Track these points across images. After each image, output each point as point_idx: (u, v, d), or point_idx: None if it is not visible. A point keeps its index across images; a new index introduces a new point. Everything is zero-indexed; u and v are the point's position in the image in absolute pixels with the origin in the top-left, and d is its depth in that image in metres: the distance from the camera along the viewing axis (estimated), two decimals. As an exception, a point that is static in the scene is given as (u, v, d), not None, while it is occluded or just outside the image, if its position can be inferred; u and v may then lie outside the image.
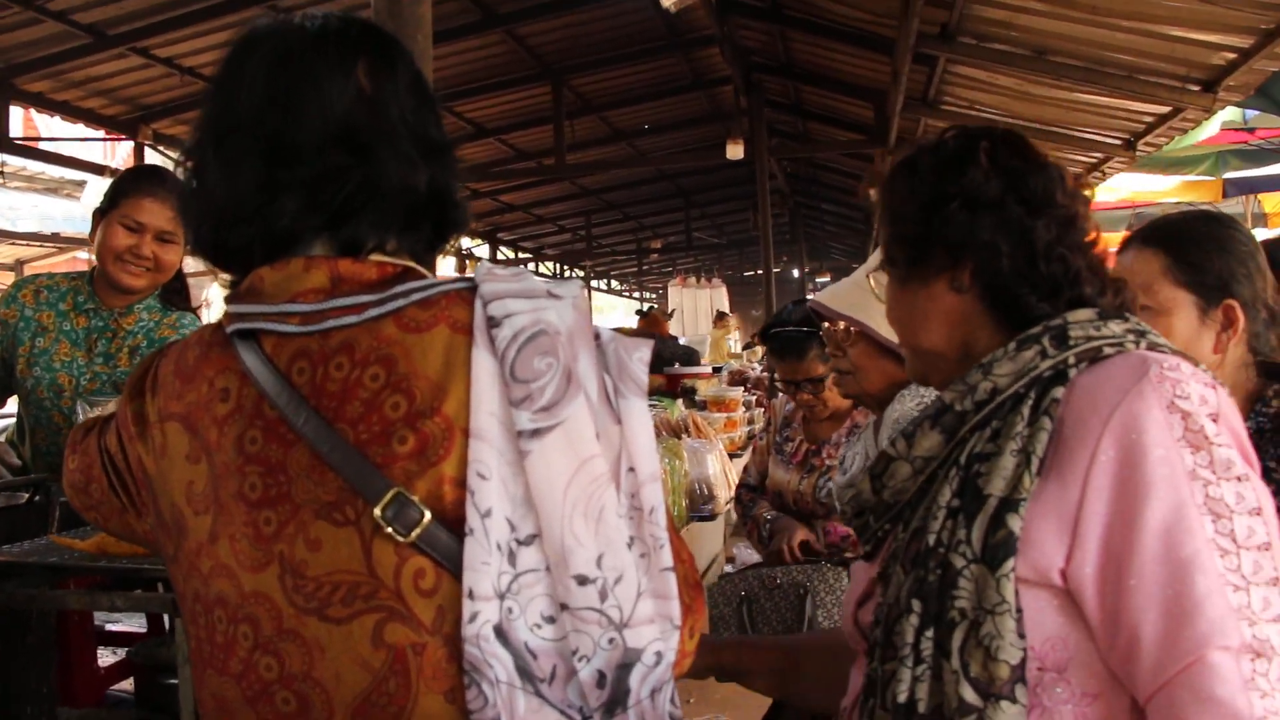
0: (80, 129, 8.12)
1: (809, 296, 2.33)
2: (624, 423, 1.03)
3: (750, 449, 3.99)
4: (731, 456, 5.05)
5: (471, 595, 0.96)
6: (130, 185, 2.74)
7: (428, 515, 0.98)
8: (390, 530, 0.97)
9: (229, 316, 1.10)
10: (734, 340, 15.32)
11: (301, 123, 1.08)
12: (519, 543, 0.99)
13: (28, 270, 12.79)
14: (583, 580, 0.98)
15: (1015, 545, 1.14)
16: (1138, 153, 7.29)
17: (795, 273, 19.93)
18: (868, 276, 2.22)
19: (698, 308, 19.30)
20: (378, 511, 0.97)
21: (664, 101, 11.36)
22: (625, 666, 0.98)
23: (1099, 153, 7.78)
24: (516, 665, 0.97)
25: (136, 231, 2.68)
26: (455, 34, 8.04)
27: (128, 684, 2.71)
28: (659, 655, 0.99)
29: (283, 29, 1.13)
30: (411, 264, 1.12)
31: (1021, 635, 1.13)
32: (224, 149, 1.10)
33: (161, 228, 2.70)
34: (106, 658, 2.84)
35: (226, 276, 1.15)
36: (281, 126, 1.08)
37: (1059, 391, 1.20)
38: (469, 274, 1.09)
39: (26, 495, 2.17)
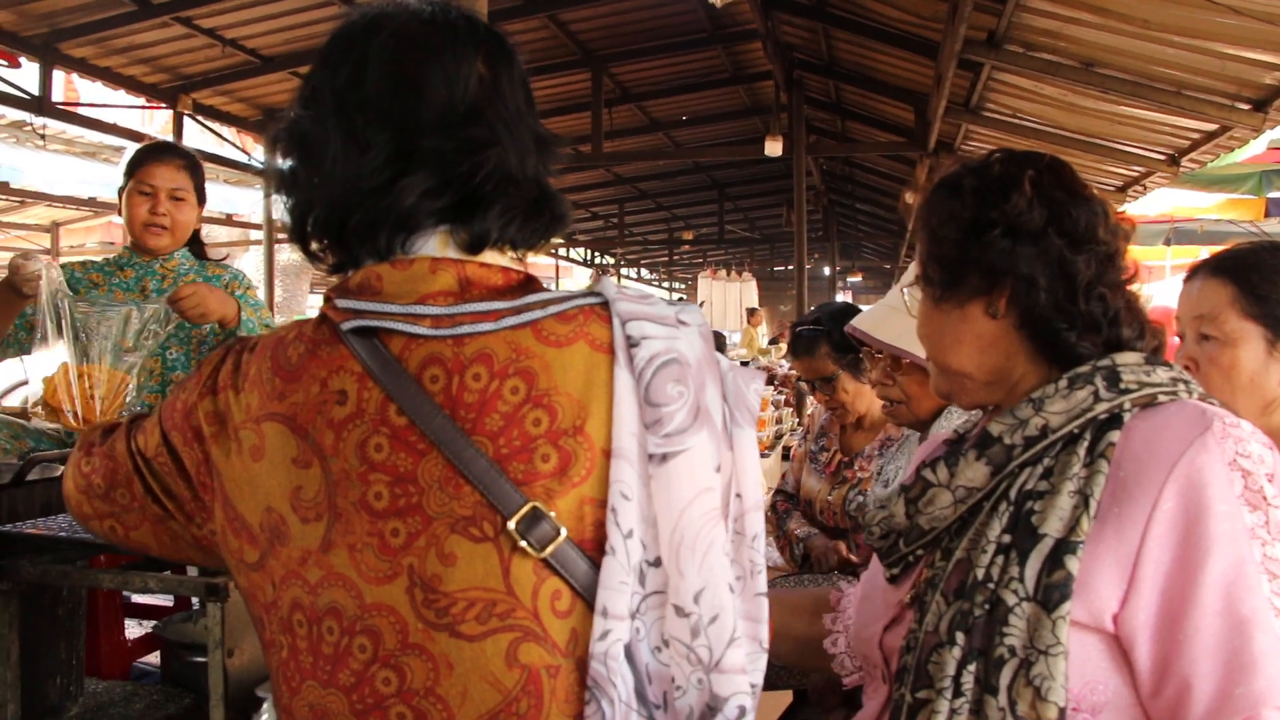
0: (119, 95, 8.15)
1: (851, 324, 2.29)
2: (735, 450, 1.04)
3: (779, 451, 3.98)
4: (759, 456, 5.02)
5: (605, 613, 0.96)
6: (141, 157, 3.05)
7: (563, 533, 0.97)
8: (524, 544, 0.95)
9: (341, 312, 1.05)
10: (763, 335, 15.31)
11: (431, 102, 1.06)
12: (649, 564, 0.99)
13: (63, 232, 12.91)
14: (679, 611, 0.98)
15: (1072, 587, 1.13)
16: (1181, 169, 7.20)
17: (826, 270, 19.84)
18: (902, 292, 2.20)
19: (727, 301, 19.27)
20: (512, 524, 0.96)
21: (703, 94, 11.33)
22: (711, 710, 0.98)
23: (1141, 167, 7.69)
24: (635, 687, 0.97)
25: (151, 195, 2.98)
26: (498, 18, 8.02)
27: (153, 657, 2.73)
28: (741, 710, 0.98)
29: (403, 13, 1.11)
30: (531, 272, 1.11)
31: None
32: (350, 127, 1.07)
33: (172, 187, 3.00)
34: (132, 629, 2.86)
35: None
36: (410, 104, 1.06)
37: (1115, 435, 1.20)
38: (596, 289, 1.08)
39: (61, 469, 2.17)
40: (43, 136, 8.49)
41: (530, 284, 1.08)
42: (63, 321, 2.68)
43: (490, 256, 1.10)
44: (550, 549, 0.96)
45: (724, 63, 10.31)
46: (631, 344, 1.01)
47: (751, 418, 1.06)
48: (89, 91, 8.69)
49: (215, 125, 9.40)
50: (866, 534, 1.48)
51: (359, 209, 1.06)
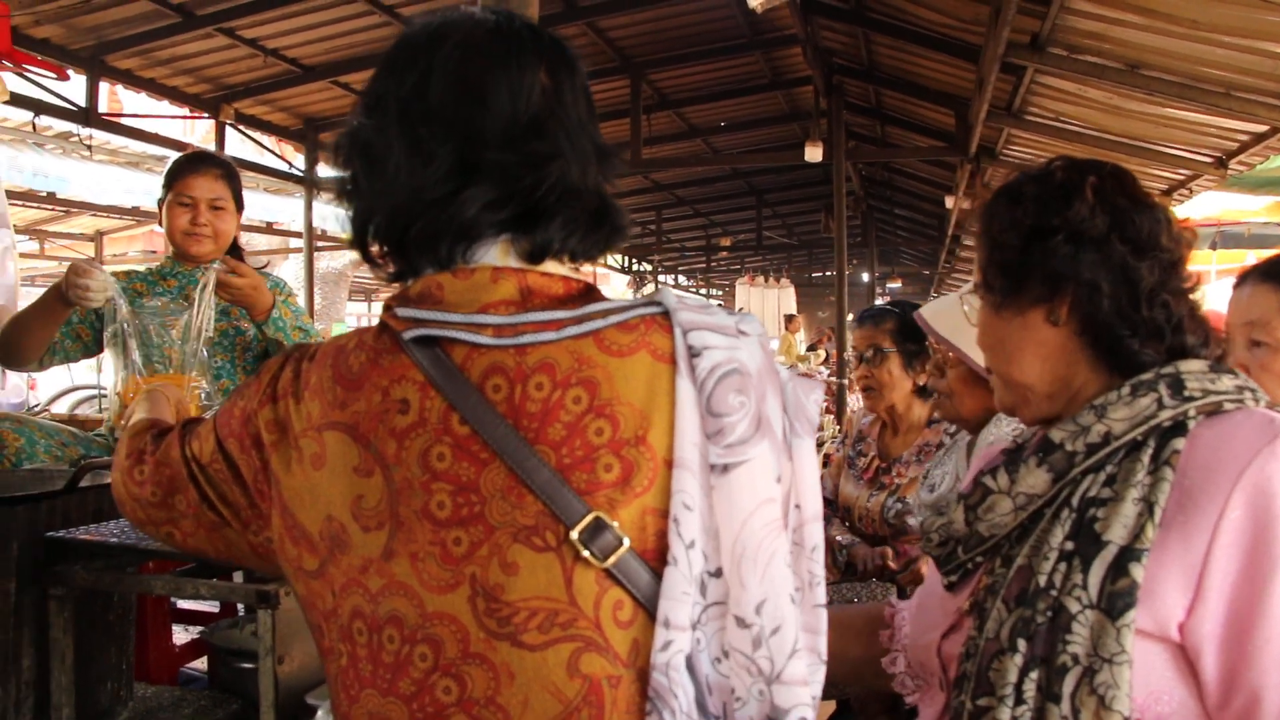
0: (163, 106, 8.25)
1: (920, 310, 2.30)
2: (794, 460, 1.04)
3: (820, 457, 3.98)
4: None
5: (667, 624, 0.95)
6: (178, 169, 3.10)
7: (626, 542, 0.97)
8: (586, 554, 0.95)
9: (403, 321, 1.05)
10: (800, 341, 15.26)
11: (494, 112, 1.06)
12: (710, 574, 0.99)
13: (107, 241, 13.10)
14: (740, 622, 0.97)
15: (1137, 595, 1.13)
16: (1229, 171, 7.09)
17: (865, 277, 19.75)
18: (961, 299, 2.18)
19: (764, 307, 19.25)
20: (575, 534, 0.95)
21: (741, 100, 11.31)
22: None
23: (1188, 170, 7.58)
24: (696, 697, 0.97)
25: (191, 206, 3.03)
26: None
27: (199, 663, 2.75)
28: None
29: (467, 23, 1.12)
30: (591, 281, 1.11)
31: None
32: (414, 137, 1.08)
33: (211, 197, 3.05)
34: (178, 634, 2.89)
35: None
36: (474, 115, 1.06)
37: (1179, 443, 1.19)
38: (656, 298, 1.07)
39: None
40: (89, 147, 8.61)
41: (591, 293, 1.09)
42: (127, 331, 2.72)
43: (551, 265, 1.10)
44: (613, 559, 0.96)
45: (763, 68, 10.29)
46: (693, 354, 1.01)
47: (811, 428, 1.05)
48: (131, 102, 8.81)
49: (256, 134, 9.48)
50: (924, 541, 1.48)
51: (420, 219, 1.07)
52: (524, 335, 1.02)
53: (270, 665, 1.68)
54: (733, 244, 20.28)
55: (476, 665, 0.97)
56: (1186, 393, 1.22)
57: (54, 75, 6.22)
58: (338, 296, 15.32)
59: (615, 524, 0.96)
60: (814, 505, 1.05)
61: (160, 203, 3.13)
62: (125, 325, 2.77)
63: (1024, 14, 5.51)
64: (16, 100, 5.95)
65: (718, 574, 0.99)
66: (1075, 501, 1.23)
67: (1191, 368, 1.25)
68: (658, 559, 0.98)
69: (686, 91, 10.82)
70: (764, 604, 0.97)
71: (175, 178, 3.08)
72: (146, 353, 2.98)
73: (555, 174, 1.07)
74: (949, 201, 11.78)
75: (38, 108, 6.83)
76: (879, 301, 18.84)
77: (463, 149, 1.06)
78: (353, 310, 22.55)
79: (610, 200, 1.14)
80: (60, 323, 2.90)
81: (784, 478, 1.03)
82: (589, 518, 0.96)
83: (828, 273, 22.56)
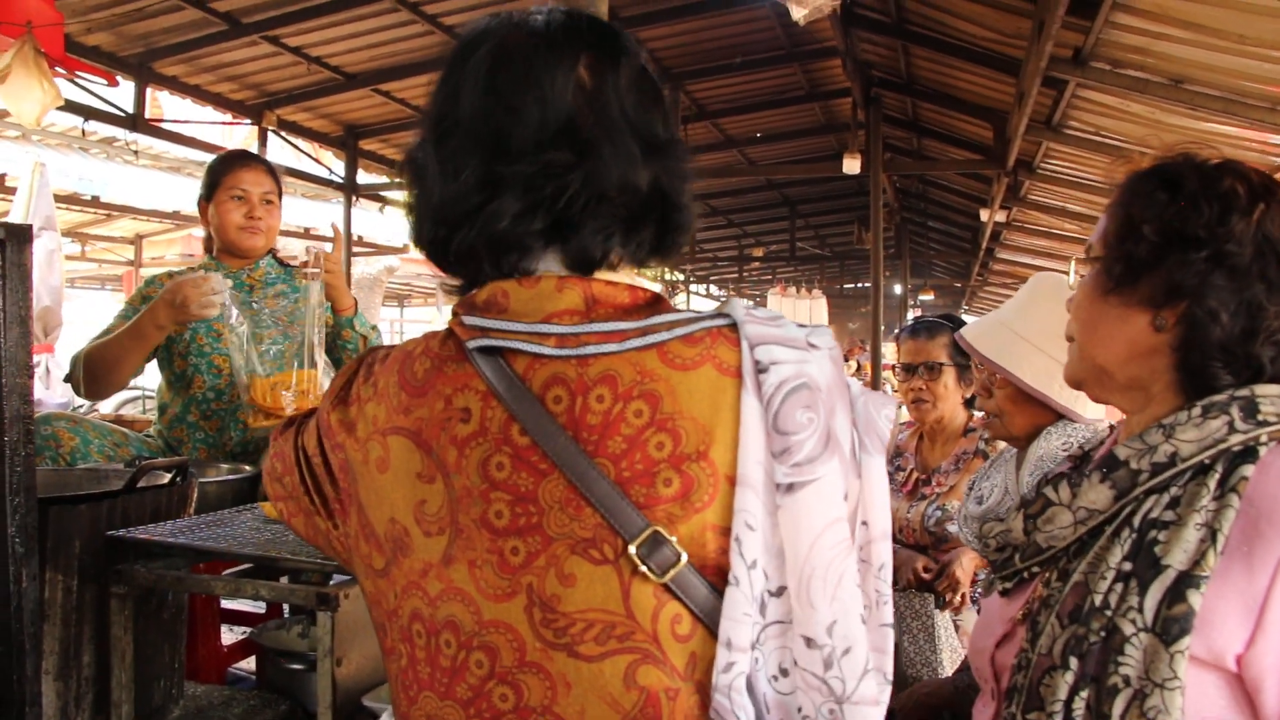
0: (205, 112, 8.33)
1: (961, 330, 2.30)
2: (863, 477, 1.02)
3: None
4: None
5: (729, 645, 0.95)
6: (226, 164, 3.14)
7: (684, 558, 0.96)
8: (645, 569, 0.95)
9: (469, 329, 1.06)
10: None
11: (522, 120, 1.05)
12: (770, 594, 0.98)
13: (146, 244, 13.24)
14: (810, 643, 0.96)
15: (1193, 622, 1.11)
16: (1272, 188, 7.01)
17: (898, 289, 19.66)
18: (1004, 323, 2.18)
19: (795, 318, 18.92)
20: (633, 548, 0.95)
21: (778, 111, 11.29)
22: None
23: (1230, 185, 7.50)
24: (755, 716, 0.97)
25: (244, 199, 3.06)
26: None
27: (246, 663, 2.78)
28: None
29: (503, 27, 1.11)
30: (659, 291, 1.10)
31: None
32: (444, 148, 1.09)
33: (263, 191, 3.09)
34: (224, 634, 2.91)
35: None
36: (502, 124, 1.06)
37: (1248, 469, 1.16)
38: (725, 310, 1.06)
39: (169, 476, 2.22)
40: (135, 152, 8.71)
41: (658, 303, 1.07)
42: (244, 334, 2.75)
43: (621, 274, 1.10)
44: (671, 574, 0.95)
45: (800, 80, 10.28)
46: (760, 369, 0.99)
47: (882, 445, 1.04)
48: (171, 108, 8.89)
49: (297, 140, 9.56)
50: (982, 546, 1.47)
51: (457, 233, 1.08)
52: (587, 346, 1.02)
53: (329, 667, 1.69)
54: (765, 254, 20.22)
55: (533, 674, 0.98)
56: (1260, 417, 1.19)
57: (104, 81, 6.31)
58: (372, 301, 15.40)
59: (674, 539, 0.96)
60: (882, 523, 1.03)
61: (205, 200, 3.12)
62: (241, 328, 2.79)
63: (1067, 28, 5.47)
64: (68, 106, 6.03)
65: (778, 593, 0.98)
66: (1137, 522, 1.21)
67: (1268, 391, 1.21)
68: (717, 574, 0.97)
69: (723, 102, 10.81)
70: (834, 625, 0.96)
71: (224, 173, 3.09)
72: (201, 362, 3.01)
73: (577, 182, 1.04)
74: (984, 214, 11.71)
75: (87, 113, 6.93)
76: (912, 314, 18.75)
77: (489, 161, 1.06)
78: (387, 315, 22.68)
79: (661, 196, 1.10)
80: (156, 347, 2.92)
81: (851, 495, 1.01)
82: (647, 532, 0.96)
83: (860, 284, 22.51)
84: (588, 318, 1.04)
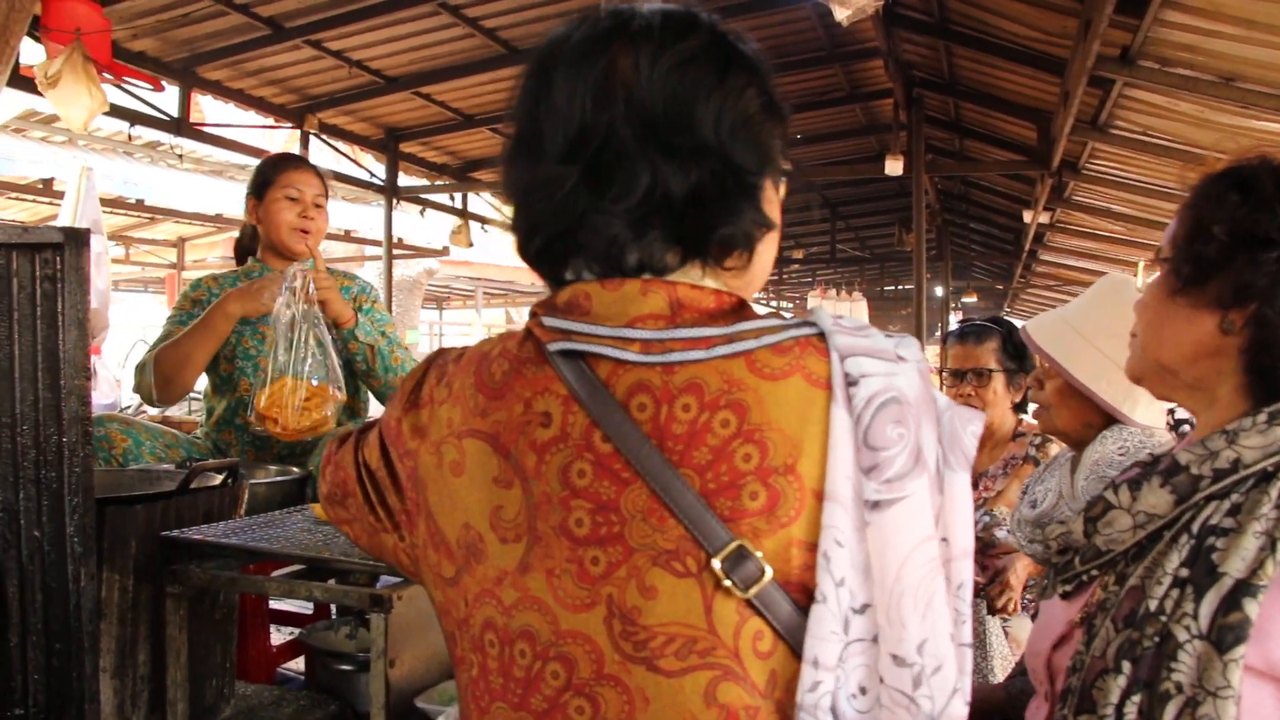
0: (247, 116, 8.42)
1: (1025, 324, 2.30)
2: (946, 494, 0.99)
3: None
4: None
5: (816, 663, 0.92)
6: (280, 164, 3.17)
7: (769, 573, 0.93)
8: (729, 583, 0.92)
9: (549, 331, 1.03)
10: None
11: (563, 123, 1.03)
12: (854, 610, 0.95)
13: (188, 247, 13.43)
14: (899, 661, 0.94)
15: (1248, 631, 1.09)
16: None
17: (939, 291, 19.53)
18: (1064, 319, 2.16)
19: (835, 321, 19.06)
20: (717, 562, 0.93)
21: (819, 113, 11.24)
22: None
23: (1281, 185, 7.39)
24: None
25: (298, 200, 3.07)
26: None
27: (294, 663, 2.79)
28: None
29: (560, 29, 1.09)
30: (743, 296, 1.07)
31: None
32: (507, 160, 1.10)
33: (315, 193, 3.10)
34: (273, 635, 2.94)
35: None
36: (548, 129, 1.04)
37: None
38: (810, 318, 1.03)
39: (220, 478, 2.24)
40: (180, 156, 8.82)
41: (742, 308, 1.05)
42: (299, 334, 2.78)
43: (709, 279, 1.07)
44: (755, 589, 0.93)
45: (841, 81, 10.23)
46: (850, 381, 0.96)
47: (967, 461, 1.00)
48: (212, 112, 8.99)
49: (339, 144, 9.63)
50: (1042, 548, 1.46)
51: (533, 239, 1.08)
52: (672, 353, 0.99)
53: (382, 668, 1.70)
54: (805, 256, 20.16)
55: (610, 687, 0.95)
56: None
57: (151, 87, 6.39)
58: (412, 304, 15.53)
59: (759, 554, 0.94)
60: (964, 541, 1.00)
61: (254, 198, 3.12)
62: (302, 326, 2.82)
63: (1115, 26, 5.41)
64: (114, 111, 6.12)
65: (862, 610, 0.96)
66: (1196, 528, 1.20)
67: None
68: (800, 591, 0.95)
69: (764, 103, 10.78)
70: (925, 643, 0.94)
71: (278, 172, 3.10)
72: (246, 365, 3.03)
73: (645, 180, 1.01)
74: (1027, 216, 11.61)
75: (133, 118, 7.01)
76: (954, 317, 18.63)
77: (533, 167, 1.06)
78: (426, 318, 22.83)
79: (710, 196, 1.03)
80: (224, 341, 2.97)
81: (935, 512, 0.99)
82: (732, 546, 0.93)
83: (900, 286, 22.39)
84: (673, 323, 1.01)
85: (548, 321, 1.04)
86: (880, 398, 0.96)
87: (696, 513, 0.94)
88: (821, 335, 1.01)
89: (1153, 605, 1.18)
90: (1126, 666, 1.16)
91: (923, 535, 0.95)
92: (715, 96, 1.04)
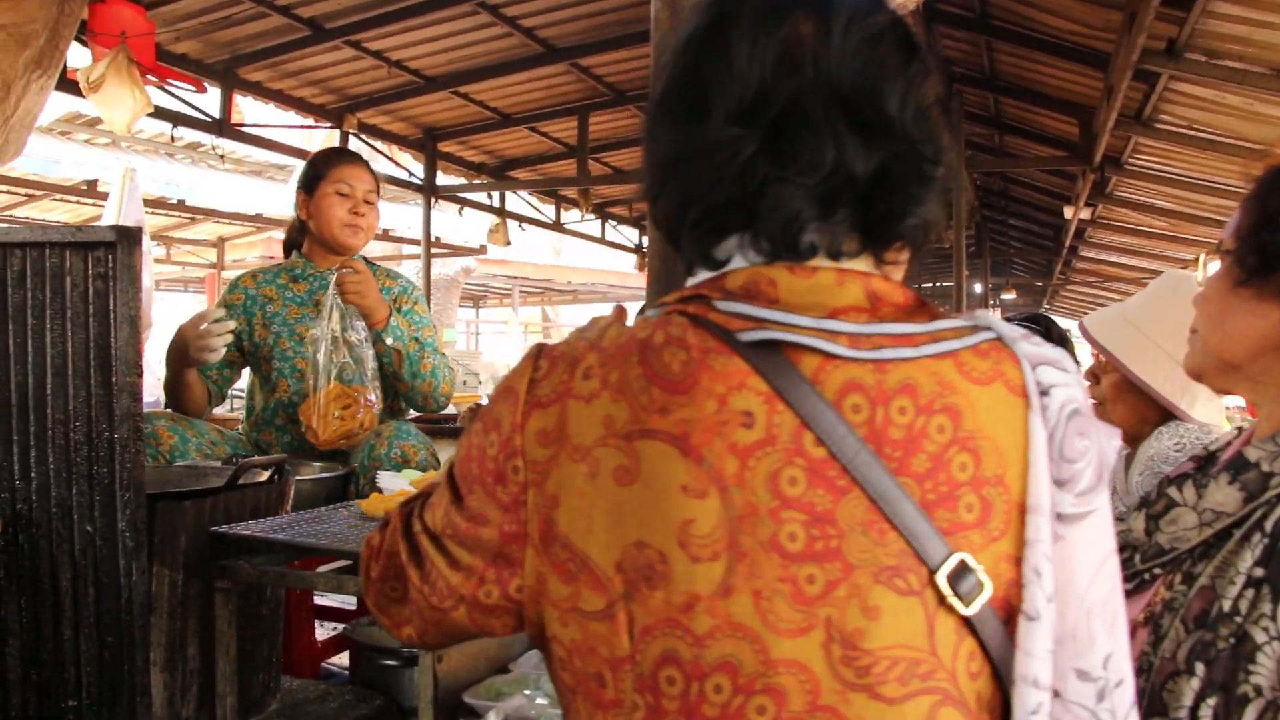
0: (287, 116, 8.48)
1: (1084, 319, 2.29)
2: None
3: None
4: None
5: (1036, 684, 0.88)
6: (332, 159, 3.14)
7: (988, 587, 0.89)
8: (953, 600, 0.87)
9: (731, 318, 0.93)
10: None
11: (715, 89, 0.96)
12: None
13: (228, 246, 13.57)
14: (1084, 676, 0.91)
15: None
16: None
17: (978, 288, 19.38)
18: (1122, 313, 2.14)
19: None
20: (941, 578, 0.87)
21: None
22: None
23: (1331, 178, 7.27)
24: None
25: (350, 196, 3.03)
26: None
27: (338, 659, 2.81)
28: None
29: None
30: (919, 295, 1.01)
31: None
32: (651, 124, 1.03)
33: (367, 189, 3.06)
34: (318, 630, 2.96)
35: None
36: (700, 92, 0.97)
37: None
38: (978, 320, 0.98)
39: (267, 474, 2.26)
40: (221, 157, 8.91)
41: (925, 306, 0.99)
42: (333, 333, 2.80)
43: (877, 271, 1.00)
44: (975, 606, 0.88)
45: (879, 77, 10.18)
46: (1042, 391, 0.93)
47: (1109, 476, 0.96)
48: (251, 112, 9.07)
49: (378, 143, 9.69)
50: None
51: (684, 214, 1.00)
52: (883, 349, 0.91)
53: (430, 664, 1.70)
54: (842, 254, 20.08)
55: (824, 718, 0.86)
56: None
57: (193, 88, 6.46)
58: (450, 302, 15.62)
59: (979, 568, 0.89)
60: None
61: (304, 192, 3.09)
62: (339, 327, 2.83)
63: (1160, 19, 5.35)
64: (156, 112, 6.18)
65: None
66: (1269, 526, 1.16)
67: None
68: (1004, 609, 0.90)
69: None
70: (1110, 658, 0.92)
71: (330, 166, 3.07)
72: (284, 366, 3.04)
73: (830, 155, 0.93)
74: (1068, 212, 11.48)
75: (175, 119, 7.08)
76: (995, 313, 18.48)
77: (697, 128, 0.97)
78: (463, 316, 22.93)
79: (895, 177, 0.96)
80: (196, 379, 3.00)
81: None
82: (954, 560, 0.88)
83: (938, 283, 22.20)
84: (875, 317, 0.93)
85: (724, 306, 0.94)
86: (1068, 408, 0.93)
87: (917, 525, 0.88)
88: (999, 339, 0.96)
89: (1226, 605, 1.15)
90: (1199, 668, 1.14)
91: (1109, 549, 0.93)
92: (901, 79, 0.97)
